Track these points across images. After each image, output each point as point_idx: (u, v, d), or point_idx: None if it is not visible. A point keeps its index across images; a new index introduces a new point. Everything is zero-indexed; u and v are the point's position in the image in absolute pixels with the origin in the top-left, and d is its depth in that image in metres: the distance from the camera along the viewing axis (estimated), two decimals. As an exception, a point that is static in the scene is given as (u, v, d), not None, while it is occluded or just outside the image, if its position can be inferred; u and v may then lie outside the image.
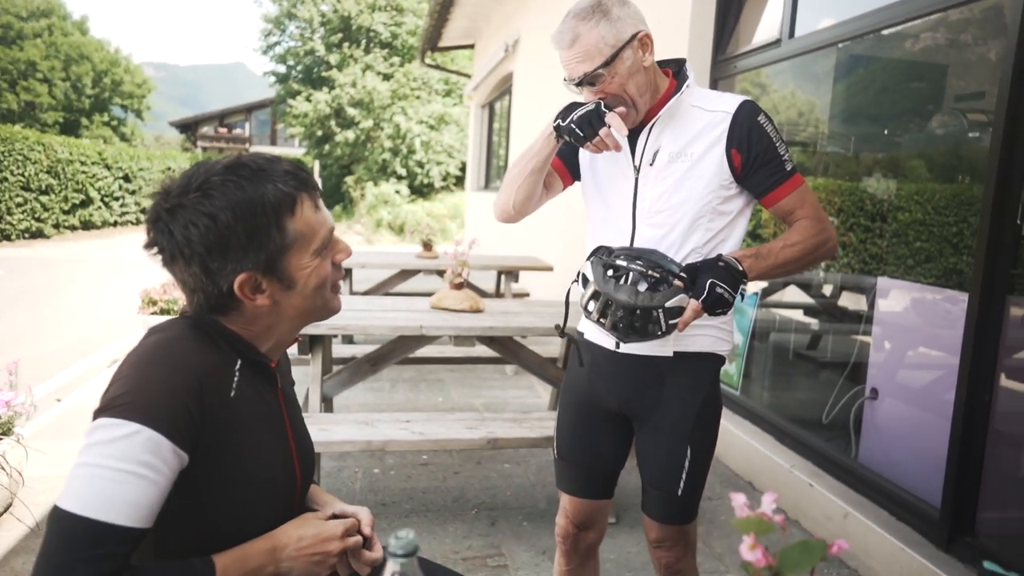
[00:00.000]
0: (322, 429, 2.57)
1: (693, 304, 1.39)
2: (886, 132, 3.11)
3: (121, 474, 0.84)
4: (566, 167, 1.70)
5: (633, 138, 1.56)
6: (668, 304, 1.39)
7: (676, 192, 1.50)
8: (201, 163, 1.00)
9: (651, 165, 1.53)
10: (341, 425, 2.65)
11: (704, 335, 1.57)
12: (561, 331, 1.77)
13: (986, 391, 2.19)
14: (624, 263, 1.43)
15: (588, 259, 1.52)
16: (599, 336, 1.63)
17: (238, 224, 0.95)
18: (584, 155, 1.68)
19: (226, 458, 0.96)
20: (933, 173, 2.79)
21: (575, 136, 1.48)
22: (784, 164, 1.49)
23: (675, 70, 1.58)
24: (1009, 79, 2.05)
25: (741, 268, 1.43)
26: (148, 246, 0.98)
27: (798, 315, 3.84)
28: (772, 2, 3.61)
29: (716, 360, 1.60)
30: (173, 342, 0.96)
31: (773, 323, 3.82)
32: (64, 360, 5.22)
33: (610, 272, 1.44)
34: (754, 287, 3.88)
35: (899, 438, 2.69)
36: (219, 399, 0.95)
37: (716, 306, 1.40)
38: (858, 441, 2.86)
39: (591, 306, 1.46)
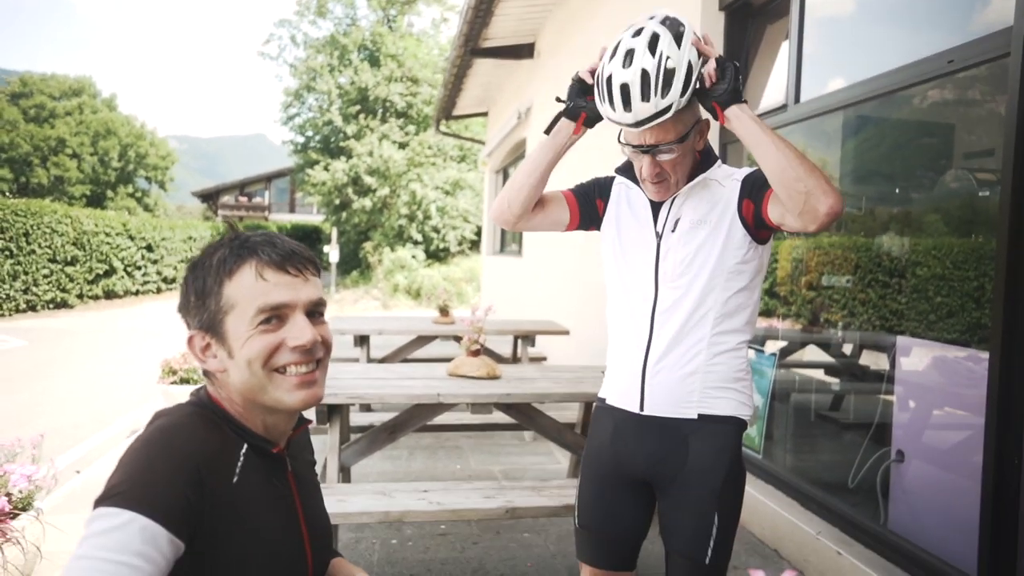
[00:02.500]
0: (339, 500, 2.55)
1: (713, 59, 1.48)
2: (898, 190, 3.14)
3: (116, 566, 0.83)
4: (578, 204, 1.77)
5: (656, 206, 1.65)
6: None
7: (696, 257, 1.58)
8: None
9: (672, 232, 1.61)
10: (358, 496, 2.62)
11: (727, 398, 1.60)
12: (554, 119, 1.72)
13: (1015, 454, 2.14)
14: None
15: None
16: (622, 400, 1.67)
17: (195, 283, 1.04)
18: (610, 220, 1.73)
19: (227, 543, 0.95)
20: (950, 227, 2.80)
21: (570, 90, 1.63)
22: None
23: (703, 148, 1.65)
24: (1014, 138, 2.08)
25: (743, 95, 1.50)
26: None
27: (819, 375, 3.79)
28: (777, 69, 3.72)
29: (739, 424, 1.61)
30: (175, 428, 0.97)
31: (793, 384, 3.78)
32: (84, 431, 5.24)
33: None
34: (773, 347, 3.85)
35: (929, 502, 2.62)
36: (220, 485, 0.95)
37: (725, 75, 1.47)
38: (886, 506, 2.79)
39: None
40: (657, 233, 1.63)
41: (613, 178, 1.77)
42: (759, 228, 1.56)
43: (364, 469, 4.09)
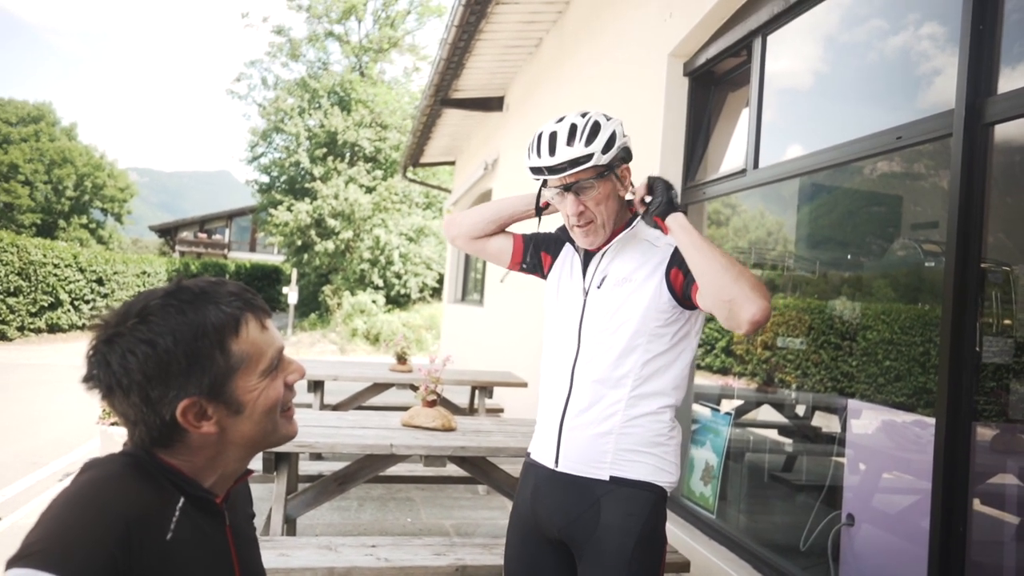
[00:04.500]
0: (282, 554, 2.44)
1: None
2: (850, 255, 3.25)
3: None
4: (523, 249, 1.82)
5: (586, 263, 1.68)
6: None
7: (616, 315, 1.58)
8: (143, 291, 0.99)
9: (598, 288, 1.63)
10: (303, 550, 2.52)
11: (642, 463, 1.56)
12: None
13: (960, 522, 2.16)
14: None
15: None
16: (542, 455, 1.66)
17: (178, 348, 0.93)
18: (554, 276, 1.78)
19: None
20: (898, 293, 2.89)
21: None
22: None
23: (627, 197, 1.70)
24: (956, 214, 2.17)
25: (679, 205, 1.60)
26: (84, 380, 0.95)
27: (773, 435, 3.83)
28: (738, 135, 3.85)
29: (655, 491, 1.57)
30: (105, 481, 0.91)
31: (748, 443, 3.80)
32: (13, 472, 4.96)
33: None
34: (728, 406, 3.88)
35: (878, 567, 2.62)
36: (152, 543, 0.89)
37: (655, 190, 1.58)
38: (837, 569, 2.78)
39: None
40: (584, 290, 1.66)
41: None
42: (687, 299, 1.57)
43: (310, 520, 3.94)
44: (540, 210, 1.74)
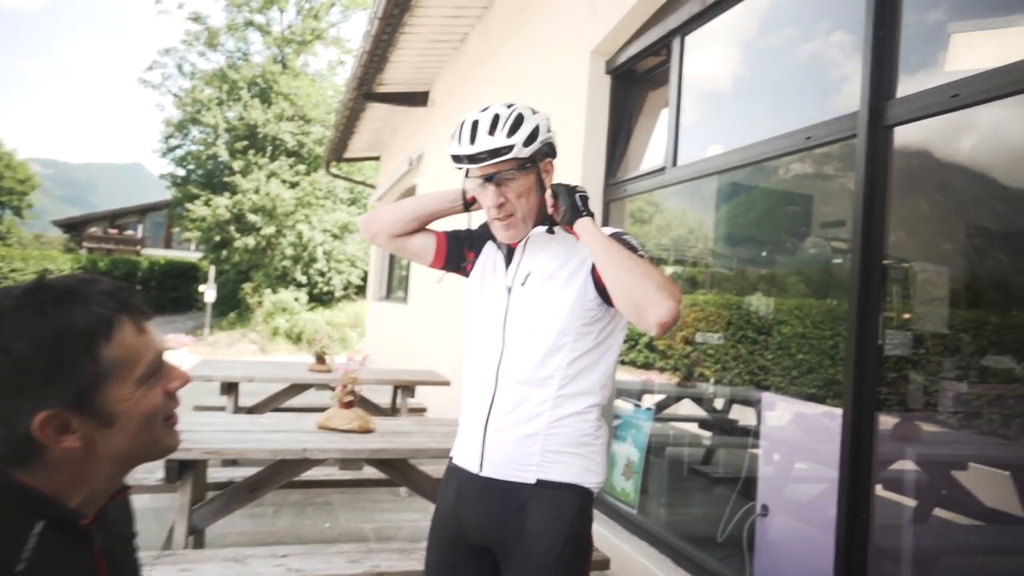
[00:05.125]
0: (184, 569, 2.29)
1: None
2: (765, 253, 3.33)
3: None
4: (446, 247, 1.76)
5: (509, 260, 1.65)
6: None
7: (541, 312, 1.54)
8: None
9: (522, 286, 1.59)
10: (207, 564, 2.38)
11: (568, 464, 1.53)
12: None
13: (863, 508, 2.24)
14: None
15: None
16: (465, 459, 1.61)
17: (37, 354, 0.82)
18: (476, 273, 1.73)
19: None
20: (809, 289, 2.99)
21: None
22: (636, 251, 1.52)
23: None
24: (861, 212, 2.25)
25: (588, 209, 1.54)
26: None
27: (693, 428, 3.90)
28: (658, 133, 3.90)
29: (582, 493, 1.54)
30: None
31: (668, 437, 3.86)
32: None
33: None
34: (649, 401, 3.93)
35: (790, 555, 2.70)
36: None
37: (558, 198, 1.54)
38: (752, 559, 2.85)
39: None
40: (507, 287, 1.62)
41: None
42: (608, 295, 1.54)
43: (222, 530, 3.75)
44: (468, 205, 1.69)
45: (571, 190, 1.55)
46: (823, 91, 2.89)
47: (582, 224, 1.50)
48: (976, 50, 2.22)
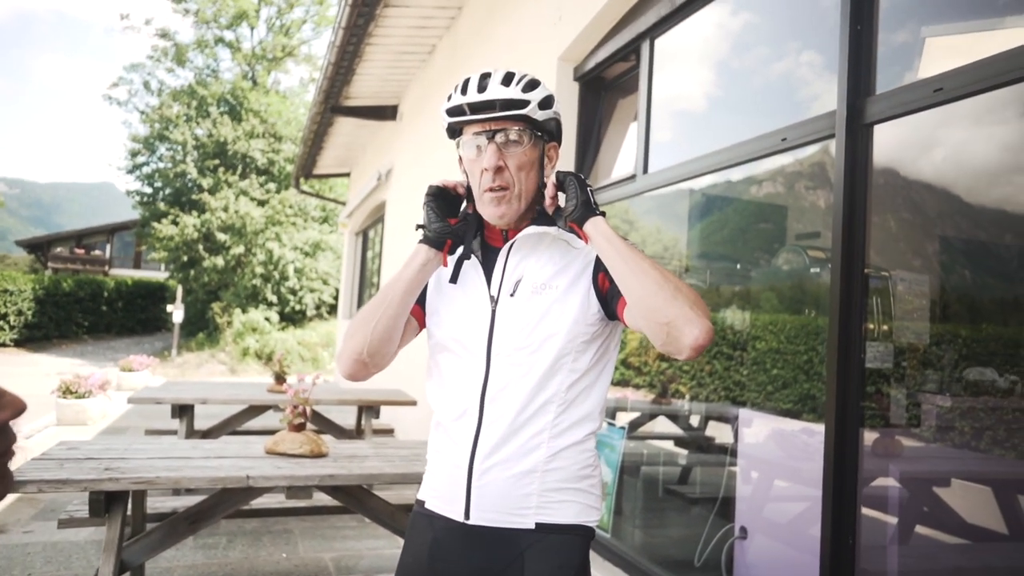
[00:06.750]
0: (107, 613, 2.07)
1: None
2: (739, 266, 3.21)
3: None
4: (422, 310, 1.45)
5: (489, 265, 1.37)
6: None
7: (538, 329, 1.30)
8: None
9: (512, 296, 1.33)
10: (135, 606, 2.15)
11: (571, 502, 1.31)
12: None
13: (849, 529, 2.09)
14: None
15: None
16: (444, 505, 1.35)
17: None
18: (432, 284, 1.44)
19: None
20: (783, 304, 2.87)
21: (431, 213, 1.37)
22: None
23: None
24: (841, 213, 2.12)
25: (597, 207, 1.32)
26: None
27: (668, 446, 3.74)
28: (628, 141, 3.78)
29: (585, 533, 1.33)
30: None
31: (642, 456, 3.70)
32: None
33: None
34: (623, 419, 3.77)
35: (771, 582, 2.54)
36: None
37: (566, 188, 1.31)
38: (732, 586, 2.69)
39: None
40: (492, 297, 1.34)
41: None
42: (611, 311, 1.32)
43: (167, 563, 3.50)
44: (452, 233, 1.36)
45: (582, 181, 1.31)
46: (799, 91, 2.79)
47: (596, 225, 1.27)
48: (952, 52, 2.12)
